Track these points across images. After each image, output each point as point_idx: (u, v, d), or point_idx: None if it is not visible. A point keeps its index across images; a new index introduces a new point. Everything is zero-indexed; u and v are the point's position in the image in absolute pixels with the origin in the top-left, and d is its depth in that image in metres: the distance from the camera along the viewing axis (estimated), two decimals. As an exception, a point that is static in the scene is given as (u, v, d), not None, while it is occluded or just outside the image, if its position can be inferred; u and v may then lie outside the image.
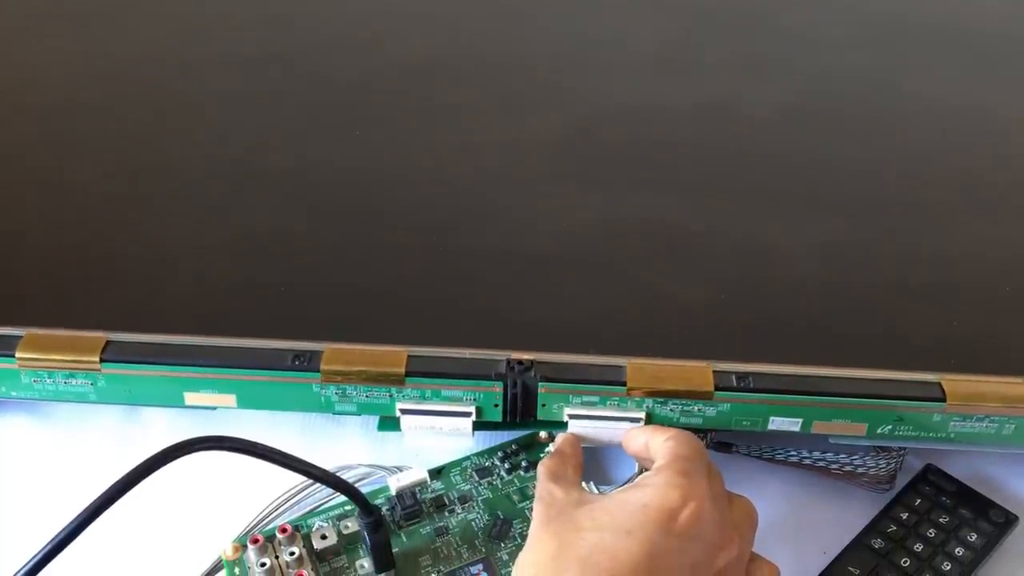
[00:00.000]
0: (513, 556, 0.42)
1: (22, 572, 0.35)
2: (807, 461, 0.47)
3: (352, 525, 0.42)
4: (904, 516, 0.45)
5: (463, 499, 0.45)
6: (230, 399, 0.45)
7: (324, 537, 0.42)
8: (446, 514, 0.44)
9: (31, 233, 0.53)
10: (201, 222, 0.54)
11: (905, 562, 0.43)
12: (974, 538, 0.44)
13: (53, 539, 0.35)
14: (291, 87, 0.64)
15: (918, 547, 0.44)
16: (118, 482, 0.35)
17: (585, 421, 0.44)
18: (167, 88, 0.64)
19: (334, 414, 0.49)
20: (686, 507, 0.35)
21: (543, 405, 0.44)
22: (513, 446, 0.47)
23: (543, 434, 0.47)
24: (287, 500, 0.45)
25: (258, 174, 0.57)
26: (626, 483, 0.43)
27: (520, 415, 0.44)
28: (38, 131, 0.61)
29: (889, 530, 0.45)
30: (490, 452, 0.47)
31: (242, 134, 0.60)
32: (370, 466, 0.47)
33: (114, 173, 0.57)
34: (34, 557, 0.35)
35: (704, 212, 0.55)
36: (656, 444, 0.39)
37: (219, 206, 0.55)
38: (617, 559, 0.33)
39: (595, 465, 0.48)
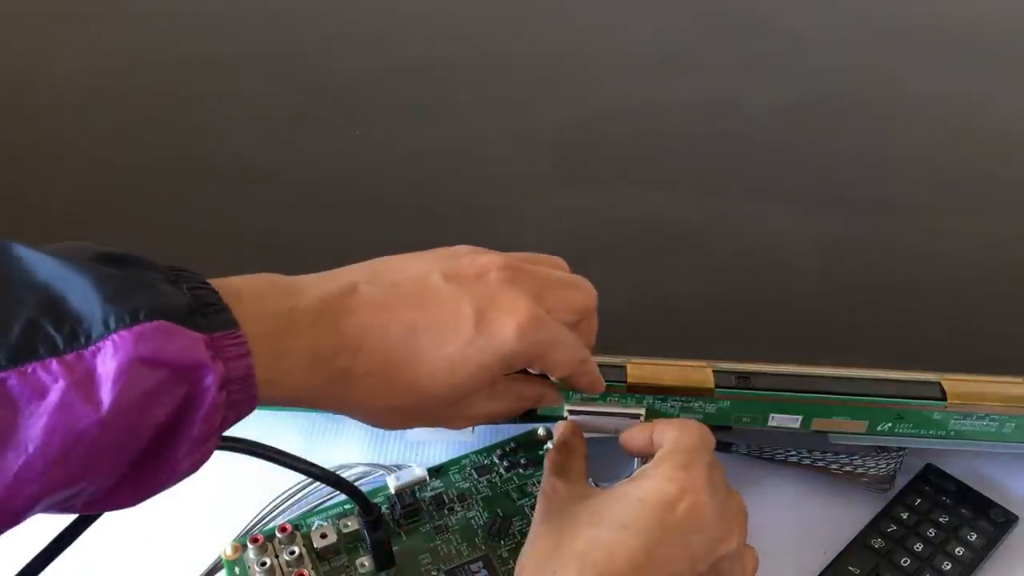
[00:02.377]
0: (513, 554, 0.42)
1: (23, 572, 0.35)
2: (807, 461, 0.47)
3: (352, 524, 0.42)
4: (904, 516, 0.45)
5: (462, 497, 0.45)
6: (230, 398, 0.44)
7: (324, 536, 0.42)
8: (445, 512, 0.44)
9: (30, 233, 0.53)
10: (201, 222, 0.54)
11: (905, 562, 0.43)
12: (974, 538, 0.44)
13: (54, 539, 0.35)
14: (291, 87, 0.64)
15: (918, 547, 0.44)
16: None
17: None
18: (167, 87, 0.64)
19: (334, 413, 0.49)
20: (683, 500, 0.35)
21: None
22: (512, 444, 0.47)
23: (541, 431, 0.47)
24: (287, 499, 0.45)
25: (258, 173, 0.57)
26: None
27: (520, 415, 0.44)
28: (37, 130, 0.61)
29: (889, 530, 0.45)
30: (489, 450, 0.47)
31: (242, 133, 0.60)
32: (369, 465, 0.47)
33: (113, 171, 0.57)
34: (35, 557, 0.35)
35: (705, 211, 0.55)
36: (661, 434, 0.38)
37: (219, 206, 0.55)
38: (614, 554, 0.33)
39: (596, 462, 0.48)
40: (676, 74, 0.67)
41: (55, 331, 0.26)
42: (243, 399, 0.29)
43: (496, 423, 0.45)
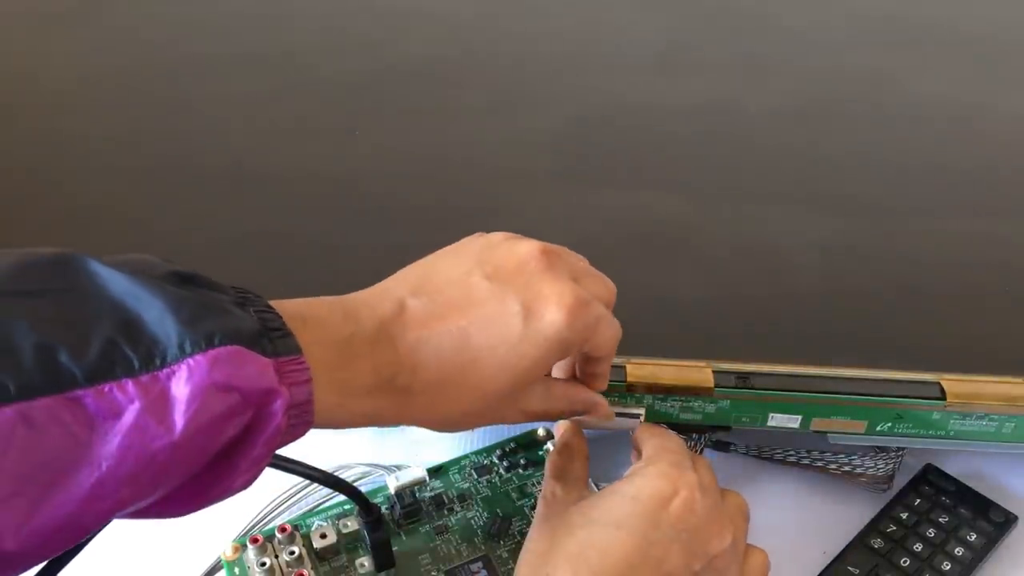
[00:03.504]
0: (512, 554, 0.42)
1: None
2: (806, 461, 0.47)
3: (352, 524, 0.42)
4: (904, 516, 0.45)
5: (462, 497, 0.45)
6: (230, 398, 0.44)
7: (324, 536, 0.42)
8: (445, 512, 0.44)
9: (29, 234, 0.53)
10: (201, 222, 0.54)
11: (905, 562, 0.43)
12: (974, 538, 0.44)
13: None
14: (291, 87, 0.64)
15: (918, 547, 0.44)
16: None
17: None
18: (167, 87, 0.64)
19: (334, 413, 0.49)
20: (677, 496, 0.35)
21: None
22: (512, 444, 0.47)
23: (541, 432, 0.47)
24: (286, 500, 0.45)
25: (257, 174, 0.57)
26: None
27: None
28: (37, 130, 0.61)
29: (889, 530, 0.45)
30: (488, 450, 0.47)
31: (242, 134, 0.60)
32: (369, 465, 0.47)
33: (113, 172, 0.57)
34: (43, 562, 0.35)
35: (704, 211, 0.55)
36: (641, 441, 0.39)
37: (218, 206, 0.55)
38: (608, 554, 0.33)
39: (596, 462, 0.48)
40: (677, 74, 0.67)
41: (132, 351, 0.26)
42: (300, 423, 0.29)
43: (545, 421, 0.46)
